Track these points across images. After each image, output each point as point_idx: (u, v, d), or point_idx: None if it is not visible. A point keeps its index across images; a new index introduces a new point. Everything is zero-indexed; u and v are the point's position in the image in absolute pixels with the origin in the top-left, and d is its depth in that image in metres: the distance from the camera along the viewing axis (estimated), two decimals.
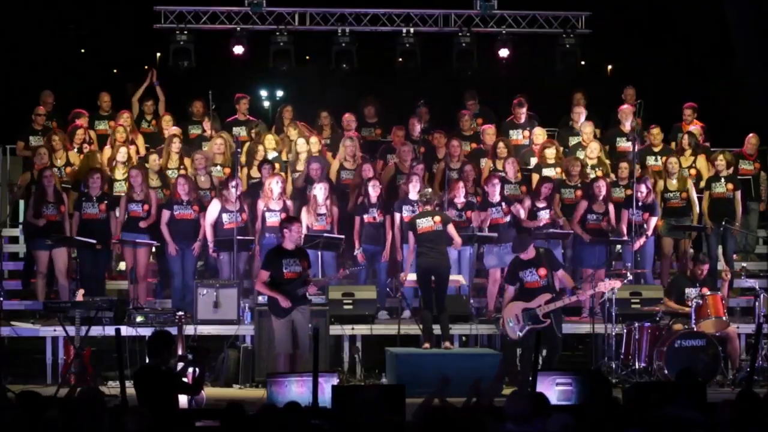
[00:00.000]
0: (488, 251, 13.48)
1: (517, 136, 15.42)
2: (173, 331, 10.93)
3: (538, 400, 7.53)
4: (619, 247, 13.86)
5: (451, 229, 12.62)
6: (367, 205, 13.60)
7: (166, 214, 13.49)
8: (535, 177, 14.40)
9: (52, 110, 15.35)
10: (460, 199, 13.48)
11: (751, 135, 15.14)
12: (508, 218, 13.47)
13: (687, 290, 12.89)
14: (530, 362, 11.73)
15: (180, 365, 9.50)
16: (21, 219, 14.97)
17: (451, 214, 13.20)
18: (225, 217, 13.33)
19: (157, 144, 15.19)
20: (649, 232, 13.84)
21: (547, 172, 14.40)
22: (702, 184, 14.75)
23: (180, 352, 10.74)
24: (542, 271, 11.89)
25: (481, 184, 14.35)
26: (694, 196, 14.42)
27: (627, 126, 15.14)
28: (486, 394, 8.05)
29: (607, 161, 14.86)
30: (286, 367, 11.35)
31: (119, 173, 14.17)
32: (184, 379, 9.28)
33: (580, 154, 14.78)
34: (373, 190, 13.54)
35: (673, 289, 13.15)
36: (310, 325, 11.41)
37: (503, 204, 13.48)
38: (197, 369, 9.26)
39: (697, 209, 14.43)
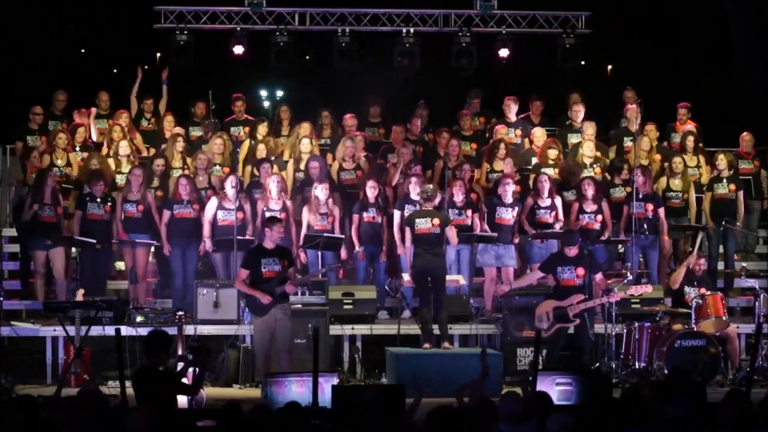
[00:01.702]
0: (484, 250, 13.42)
1: (510, 135, 15.41)
2: (173, 331, 10.92)
3: (542, 399, 7.53)
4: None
5: (449, 230, 12.61)
6: (366, 205, 13.61)
7: (166, 214, 13.51)
8: (533, 177, 14.37)
9: (64, 109, 15.36)
10: (459, 198, 13.46)
11: (745, 133, 15.13)
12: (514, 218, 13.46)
13: (686, 289, 12.89)
14: (555, 360, 11.84)
15: (180, 365, 9.50)
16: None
17: (451, 213, 13.19)
18: (220, 214, 13.36)
19: (156, 142, 15.19)
20: (664, 227, 13.84)
21: (547, 172, 14.36)
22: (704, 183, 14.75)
23: (180, 352, 10.75)
24: (580, 271, 12.01)
25: (479, 184, 14.36)
26: (694, 199, 14.40)
27: (635, 126, 15.10)
28: (472, 393, 8.04)
29: (600, 154, 14.79)
30: (266, 366, 11.33)
31: (124, 166, 14.19)
32: (184, 380, 9.28)
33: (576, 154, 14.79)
34: (371, 191, 13.55)
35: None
36: (310, 325, 11.40)
37: (516, 206, 13.46)
38: (197, 369, 9.26)
39: (695, 212, 14.40)
